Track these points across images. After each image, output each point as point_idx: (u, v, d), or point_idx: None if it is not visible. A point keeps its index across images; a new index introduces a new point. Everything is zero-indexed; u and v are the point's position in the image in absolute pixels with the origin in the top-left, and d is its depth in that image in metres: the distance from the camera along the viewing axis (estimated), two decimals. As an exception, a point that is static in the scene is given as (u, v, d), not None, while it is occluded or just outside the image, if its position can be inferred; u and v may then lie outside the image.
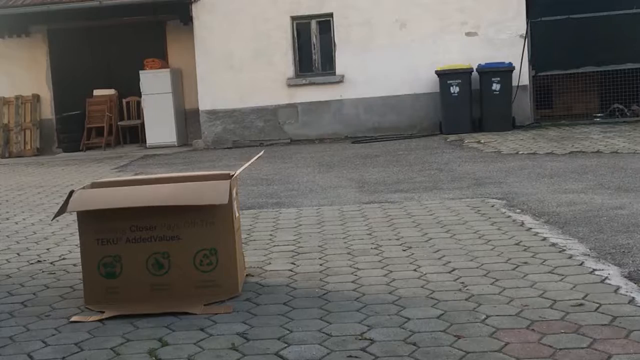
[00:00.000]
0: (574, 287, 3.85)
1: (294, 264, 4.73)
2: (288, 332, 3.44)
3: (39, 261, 5.21)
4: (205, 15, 13.90)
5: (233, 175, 4.10)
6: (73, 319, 3.81)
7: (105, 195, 4.02)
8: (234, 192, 4.07)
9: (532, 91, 13.37)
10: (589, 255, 4.52)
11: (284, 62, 13.87)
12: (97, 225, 3.89)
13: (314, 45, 14.08)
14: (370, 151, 11.35)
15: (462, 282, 4.06)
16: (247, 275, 4.45)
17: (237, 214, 4.16)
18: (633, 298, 3.62)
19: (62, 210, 3.92)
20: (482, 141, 11.40)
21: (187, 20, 14.32)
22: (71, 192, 3.93)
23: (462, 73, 12.72)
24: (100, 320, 3.74)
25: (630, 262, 4.34)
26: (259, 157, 4.51)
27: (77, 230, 4.07)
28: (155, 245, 3.86)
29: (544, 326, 3.30)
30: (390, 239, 5.25)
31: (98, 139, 15.32)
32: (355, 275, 4.36)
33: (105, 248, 3.88)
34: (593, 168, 8.07)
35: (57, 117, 15.37)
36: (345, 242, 5.24)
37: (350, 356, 3.10)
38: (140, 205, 3.83)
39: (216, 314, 3.75)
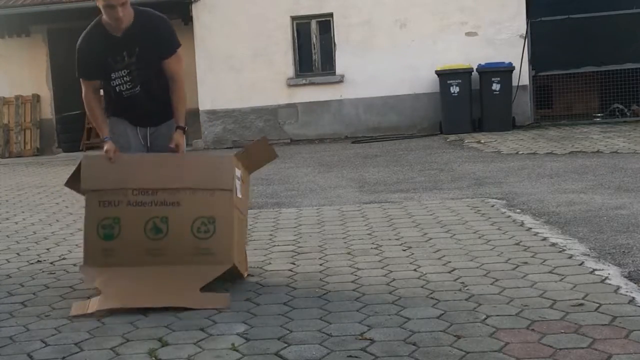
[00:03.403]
0: (574, 287, 3.85)
1: (294, 264, 4.73)
2: (288, 332, 3.44)
3: (39, 261, 5.21)
4: (205, 15, 13.90)
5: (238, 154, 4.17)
6: (72, 313, 3.82)
7: (112, 165, 4.06)
8: (238, 171, 4.08)
9: (532, 91, 13.36)
10: (589, 255, 4.52)
11: (284, 62, 13.87)
12: (101, 188, 3.94)
13: (314, 45, 14.08)
14: (370, 151, 11.35)
15: (462, 282, 4.06)
16: (248, 275, 4.44)
17: (239, 195, 4.13)
18: (633, 298, 3.62)
19: (75, 178, 3.99)
20: (482, 141, 11.40)
21: (187, 20, 14.32)
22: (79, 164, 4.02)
23: (462, 73, 12.72)
24: (99, 319, 3.74)
25: (630, 262, 4.34)
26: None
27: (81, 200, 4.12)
28: (155, 209, 3.88)
29: (544, 326, 3.30)
30: (390, 239, 5.25)
31: (98, 139, 15.28)
32: (355, 275, 4.36)
33: (106, 210, 3.92)
34: (593, 168, 8.07)
35: (57, 117, 15.37)
36: (345, 242, 5.24)
37: (350, 356, 3.10)
38: (145, 170, 3.91)
39: (214, 308, 3.76)
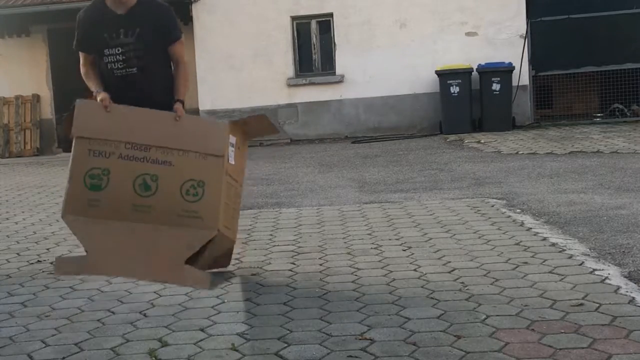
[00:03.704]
0: (574, 287, 3.85)
1: (294, 264, 4.73)
2: (288, 332, 3.44)
3: (39, 261, 5.21)
4: (205, 15, 13.90)
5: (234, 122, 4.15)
6: (57, 273, 3.79)
7: (109, 116, 4.02)
8: (233, 138, 4.06)
9: (532, 91, 13.36)
10: (589, 255, 4.52)
11: (284, 62, 13.88)
12: (93, 136, 3.89)
13: (314, 45, 14.08)
14: (370, 151, 11.35)
15: (462, 282, 4.06)
16: (253, 272, 4.44)
17: (232, 161, 4.08)
18: (633, 298, 3.62)
19: (69, 122, 3.94)
20: (482, 141, 11.40)
21: (187, 20, 14.32)
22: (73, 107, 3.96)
23: (462, 73, 12.72)
24: (97, 316, 3.73)
25: (630, 262, 4.34)
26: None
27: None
28: (146, 166, 3.85)
29: (544, 326, 3.30)
30: (390, 239, 5.25)
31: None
32: (355, 275, 4.36)
33: (96, 160, 3.86)
34: (593, 168, 8.07)
35: (57, 117, 15.36)
36: (345, 242, 5.24)
37: (350, 356, 3.10)
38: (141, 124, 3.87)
39: (193, 286, 3.72)
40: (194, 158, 3.88)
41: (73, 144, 3.96)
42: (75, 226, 3.86)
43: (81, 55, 4.47)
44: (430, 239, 5.19)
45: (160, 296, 4.17)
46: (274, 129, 4.37)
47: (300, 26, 14.04)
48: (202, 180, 3.87)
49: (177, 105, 4.23)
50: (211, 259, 4.16)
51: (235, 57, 13.81)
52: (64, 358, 3.28)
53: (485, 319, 3.45)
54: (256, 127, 4.34)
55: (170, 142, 3.89)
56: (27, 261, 5.23)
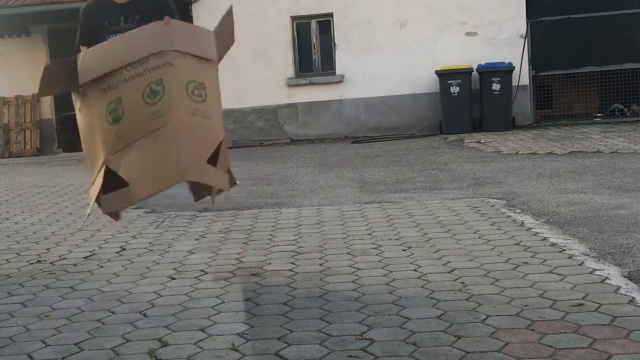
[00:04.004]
0: (574, 287, 3.85)
1: (294, 264, 4.73)
2: (288, 332, 3.44)
3: (39, 261, 5.21)
4: (205, 15, 13.89)
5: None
6: (105, 211, 3.78)
7: (106, 53, 4.01)
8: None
9: (532, 91, 13.36)
10: (589, 255, 4.52)
11: (284, 62, 13.88)
12: (98, 75, 3.91)
13: (314, 45, 14.08)
14: (370, 151, 11.35)
15: (462, 282, 4.06)
16: (253, 272, 4.44)
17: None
18: (633, 298, 3.62)
19: (54, 83, 3.92)
20: (482, 141, 11.40)
21: (187, 20, 14.31)
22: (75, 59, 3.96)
23: (462, 73, 12.72)
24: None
25: (630, 262, 4.34)
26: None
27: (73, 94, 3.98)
28: (149, 76, 3.86)
29: (544, 326, 3.30)
30: (390, 239, 5.25)
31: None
32: (355, 275, 4.36)
33: (109, 95, 3.87)
34: (593, 168, 8.07)
35: (57, 117, 15.37)
36: (345, 242, 5.24)
37: (350, 356, 3.10)
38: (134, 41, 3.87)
39: (219, 185, 3.70)
40: (190, 60, 3.90)
41: (82, 95, 3.94)
42: (117, 165, 3.87)
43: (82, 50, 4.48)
44: (430, 239, 5.19)
45: (160, 296, 4.17)
46: (233, 38, 4.29)
47: (300, 26, 14.04)
48: (202, 82, 3.88)
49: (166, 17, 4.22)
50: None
51: (235, 57, 13.69)
52: (64, 358, 3.28)
53: (485, 319, 3.45)
54: (224, 38, 4.28)
55: (164, 45, 3.87)
56: (27, 261, 5.23)
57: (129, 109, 3.81)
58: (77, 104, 4.02)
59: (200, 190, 4.19)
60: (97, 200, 3.82)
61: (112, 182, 3.77)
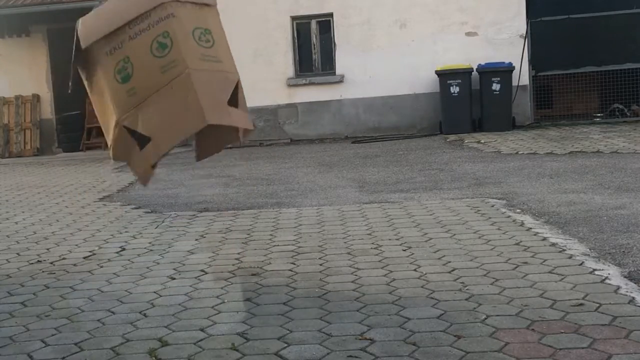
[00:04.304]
0: (574, 287, 3.85)
1: (294, 264, 4.73)
2: (288, 332, 3.44)
3: (39, 261, 5.21)
4: None
5: None
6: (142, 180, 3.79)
7: (104, 15, 4.02)
8: None
9: (532, 91, 13.36)
10: (589, 255, 4.52)
11: (284, 62, 13.87)
12: (101, 35, 3.93)
13: (314, 45, 14.08)
14: (370, 151, 11.34)
15: (462, 282, 4.06)
16: (253, 272, 4.44)
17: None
18: (633, 298, 3.62)
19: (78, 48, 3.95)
20: (482, 141, 11.40)
21: None
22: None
23: (462, 73, 12.71)
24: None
25: (630, 262, 4.34)
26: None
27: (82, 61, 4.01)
28: (154, 30, 3.87)
29: (544, 326, 3.30)
30: (390, 239, 5.25)
31: (98, 139, 15.28)
32: (355, 275, 4.36)
33: (115, 56, 3.89)
34: (593, 168, 8.07)
35: (57, 117, 15.37)
36: (345, 242, 5.24)
37: (350, 356, 3.10)
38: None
39: (246, 129, 3.70)
40: (191, 8, 3.92)
41: (88, 64, 3.95)
42: (133, 122, 3.88)
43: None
44: (430, 239, 5.19)
45: (160, 296, 4.17)
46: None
47: (300, 26, 14.03)
48: (207, 28, 3.90)
49: None
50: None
51: (235, 57, 13.73)
52: (64, 358, 3.28)
53: (485, 319, 3.45)
54: None
55: None
56: (27, 261, 5.23)
57: (139, 66, 3.81)
58: (86, 80, 4.05)
59: (222, 137, 4.16)
60: (127, 160, 3.86)
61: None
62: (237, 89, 3.92)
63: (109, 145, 3.88)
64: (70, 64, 4.02)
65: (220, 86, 3.82)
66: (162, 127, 3.82)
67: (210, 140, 4.19)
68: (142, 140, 3.79)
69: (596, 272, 4.10)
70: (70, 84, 4.03)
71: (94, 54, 3.95)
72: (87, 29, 3.97)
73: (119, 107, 3.84)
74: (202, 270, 4.69)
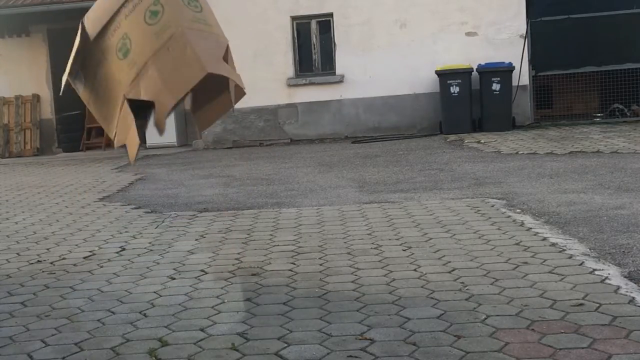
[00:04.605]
0: (574, 287, 3.85)
1: (294, 264, 4.73)
2: (288, 332, 3.44)
3: (39, 261, 5.21)
4: None
5: None
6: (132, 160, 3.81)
7: (102, 3, 4.06)
8: None
9: (532, 91, 13.36)
10: (589, 255, 4.52)
11: (284, 62, 13.87)
12: (105, 21, 3.97)
13: (314, 45, 14.08)
14: (370, 151, 11.34)
15: (462, 282, 4.06)
16: (253, 272, 4.44)
17: None
18: (633, 298, 3.62)
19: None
20: (482, 141, 11.40)
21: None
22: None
23: (462, 73, 12.71)
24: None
25: (630, 262, 4.34)
26: None
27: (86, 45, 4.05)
28: (145, 2, 3.93)
29: (544, 326, 3.30)
30: (390, 239, 5.25)
31: (98, 139, 15.31)
32: (355, 275, 4.36)
33: (115, 35, 3.96)
34: (593, 168, 8.07)
35: (57, 117, 15.37)
36: (345, 242, 5.24)
37: (350, 356, 3.10)
38: None
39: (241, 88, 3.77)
40: None
41: (93, 51, 4.00)
42: (136, 92, 3.90)
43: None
44: (430, 239, 5.19)
45: (160, 296, 4.17)
46: None
47: (300, 26, 14.03)
48: None
49: None
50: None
51: (235, 57, 13.75)
52: (64, 358, 3.28)
53: (485, 319, 3.45)
54: None
55: None
56: (27, 261, 5.23)
57: (136, 38, 3.88)
58: (84, 78, 4.10)
59: (218, 104, 4.25)
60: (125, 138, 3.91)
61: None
62: (227, 53, 4.00)
63: (112, 135, 3.92)
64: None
65: (213, 44, 3.89)
66: (164, 85, 3.86)
67: (207, 109, 4.28)
68: (143, 114, 3.85)
69: (596, 272, 4.10)
70: (62, 86, 4.07)
71: (99, 42, 4.02)
72: (91, 21, 4.04)
73: (123, 82, 3.91)
74: (202, 270, 4.69)
